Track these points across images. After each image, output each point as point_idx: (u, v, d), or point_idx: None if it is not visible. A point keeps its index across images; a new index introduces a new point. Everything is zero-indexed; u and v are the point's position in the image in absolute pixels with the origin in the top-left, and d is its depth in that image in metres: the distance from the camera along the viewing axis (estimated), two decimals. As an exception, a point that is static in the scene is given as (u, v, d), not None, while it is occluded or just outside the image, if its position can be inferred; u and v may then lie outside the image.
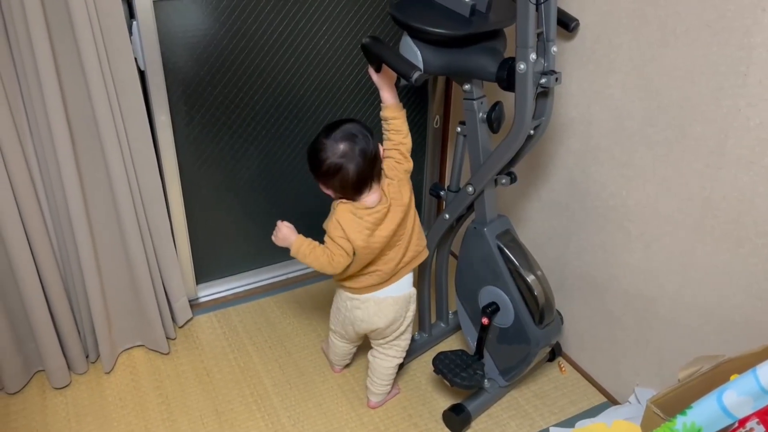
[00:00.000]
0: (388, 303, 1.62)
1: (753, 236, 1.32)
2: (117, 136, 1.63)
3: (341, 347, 1.80)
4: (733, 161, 1.32)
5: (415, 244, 1.61)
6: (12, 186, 1.55)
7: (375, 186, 1.51)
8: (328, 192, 1.53)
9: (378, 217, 1.51)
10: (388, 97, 1.51)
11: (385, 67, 1.46)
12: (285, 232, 1.58)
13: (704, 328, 1.48)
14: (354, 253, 1.51)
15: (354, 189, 1.49)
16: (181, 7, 1.72)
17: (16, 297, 1.70)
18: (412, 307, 1.68)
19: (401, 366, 1.88)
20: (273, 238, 1.60)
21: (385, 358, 1.71)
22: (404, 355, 1.74)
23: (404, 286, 1.64)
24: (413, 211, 1.59)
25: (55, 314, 1.76)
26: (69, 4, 1.43)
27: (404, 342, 1.72)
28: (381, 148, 1.53)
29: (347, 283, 1.61)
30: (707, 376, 1.19)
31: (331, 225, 1.52)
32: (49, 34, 1.45)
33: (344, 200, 1.52)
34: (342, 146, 1.45)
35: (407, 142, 1.53)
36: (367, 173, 1.47)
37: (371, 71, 1.50)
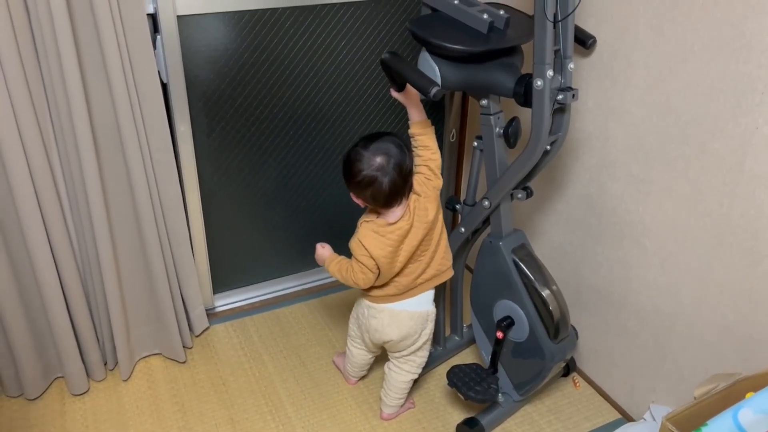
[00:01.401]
0: (403, 317, 1.62)
1: (771, 254, 1.31)
2: (139, 146, 1.66)
3: (358, 356, 1.81)
4: (751, 178, 1.32)
5: (439, 262, 1.61)
6: (36, 193, 1.59)
7: (404, 201, 1.53)
8: (358, 201, 1.56)
9: (400, 234, 1.52)
10: (415, 114, 1.51)
11: (407, 87, 1.47)
12: (319, 252, 1.69)
13: (722, 346, 1.47)
14: (379, 269, 1.54)
15: (385, 202, 1.51)
16: (203, 22, 1.75)
17: (37, 303, 1.73)
18: (430, 325, 1.68)
19: (416, 381, 1.89)
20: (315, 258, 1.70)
21: (400, 372, 1.72)
22: (420, 371, 1.75)
23: (423, 303, 1.64)
24: (440, 228, 1.59)
25: (75, 321, 1.78)
26: (96, 18, 1.47)
27: (420, 359, 1.72)
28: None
29: (369, 291, 1.64)
30: (723, 394, 1.18)
31: (354, 244, 1.56)
32: (77, 47, 1.49)
33: (368, 219, 1.56)
34: (378, 159, 1.47)
35: (436, 158, 1.53)
36: (399, 187, 1.49)
37: (393, 92, 1.50)
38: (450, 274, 1.67)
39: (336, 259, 1.64)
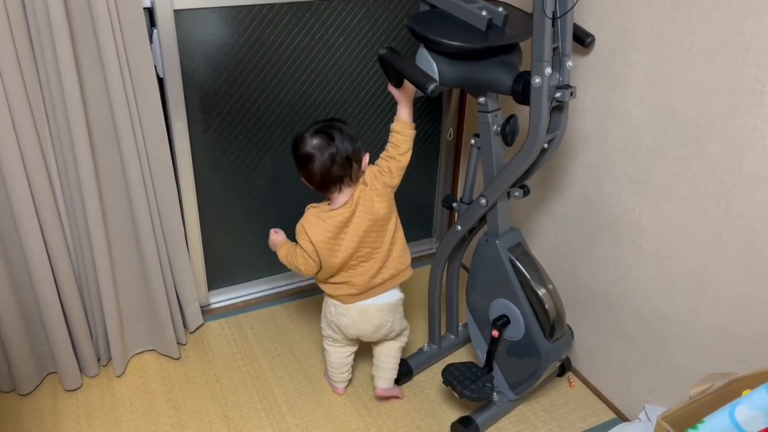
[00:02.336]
0: (372, 311, 1.66)
1: (768, 255, 1.31)
2: (135, 142, 1.65)
3: (335, 354, 1.79)
4: (749, 179, 1.31)
5: (396, 261, 1.63)
6: (31, 189, 1.58)
7: (346, 189, 1.55)
8: (304, 182, 1.59)
9: (341, 220, 1.54)
10: (404, 112, 1.54)
11: (405, 83, 1.48)
12: (272, 238, 1.74)
13: (718, 347, 1.47)
14: (319, 257, 1.56)
15: (321, 184, 1.54)
16: (200, 17, 1.74)
17: (31, 298, 1.72)
18: (400, 309, 1.72)
19: (410, 376, 1.88)
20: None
21: (391, 348, 1.77)
22: (406, 339, 1.80)
23: (389, 296, 1.67)
24: (393, 227, 1.61)
25: (69, 316, 1.77)
26: (92, 11, 1.46)
27: (403, 335, 1.78)
28: (366, 156, 1.57)
29: (328, 291, 1.67)
30: (719, 394, 1.17)
31: (297, 228, 1.60)
32: (73, 41, 1.48)
33: (315, 205, 1.60)
34: (316, 140, 1.52)
35: (402, 160, 1.57)
36: (336, 172, 1.51)
37: (390, 87, 1.52)
38: (408, 273, 1.68)
39: (286, 244, 1.68)
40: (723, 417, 0.92)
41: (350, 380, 1.88)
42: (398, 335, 1.76)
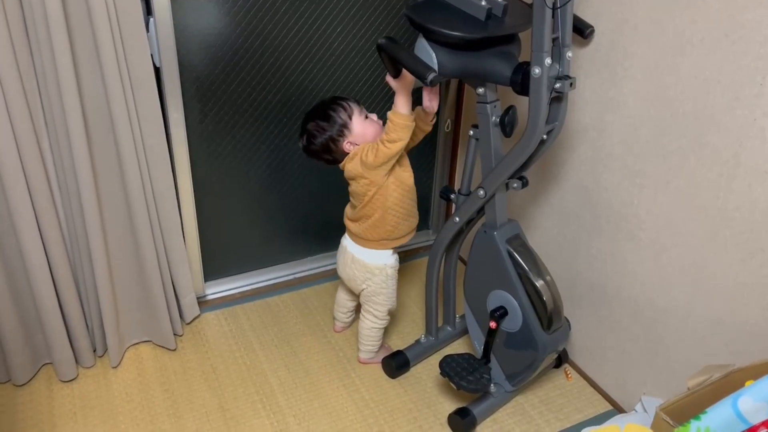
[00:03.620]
0: (347, 258, 1.79)
1: (766, 247, 1.31)
2: (131, 131, 1.64)
3: (338, 294, 1.99)
4: (747, 171, 1.31)
5: (349, 215, 1.76)
6: (26, 179, 1.56)
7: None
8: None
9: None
10: (398, 103, 1.52)
11: (402, 74, 1.47)
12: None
13: (714, 339, 1.47)
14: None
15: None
16: (197, 5, 1.73)
17: (26, 289, 1.71)
18: (376, 279, 1.76)
19: (407, 368, 1.89)
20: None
21: (364, 319, 1.86)
22: (380, 324, 1.85)
23: (367, 255, 1.75)
24: (365, 197, 1.66)
25: (64, 307, 1.77)
26: (89, 1, 1.44)
27: (375, 310, 1.82)
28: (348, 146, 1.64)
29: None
30: (717, 385, 1.18)
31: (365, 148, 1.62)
32: (68, 30, 1.46)
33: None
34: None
35: (390, 147, 1.55)
36: (314, 151, 1.68)
37: (389, 78, 1.51)
38: (356, 239, 1.75)
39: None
40: (726, 408, 0.92)
41: (348, 325, 2.06)
42: (369, 307, 1.82)
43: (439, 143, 2.32)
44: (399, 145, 1.55)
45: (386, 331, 1.93)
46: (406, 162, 1.67)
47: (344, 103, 1.64)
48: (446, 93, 2.22)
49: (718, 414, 0.92)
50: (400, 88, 1.51)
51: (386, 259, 1.75)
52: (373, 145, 1.59)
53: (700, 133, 1.39)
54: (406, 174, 1.66)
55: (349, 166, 1.64)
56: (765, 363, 1.16)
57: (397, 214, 1.68)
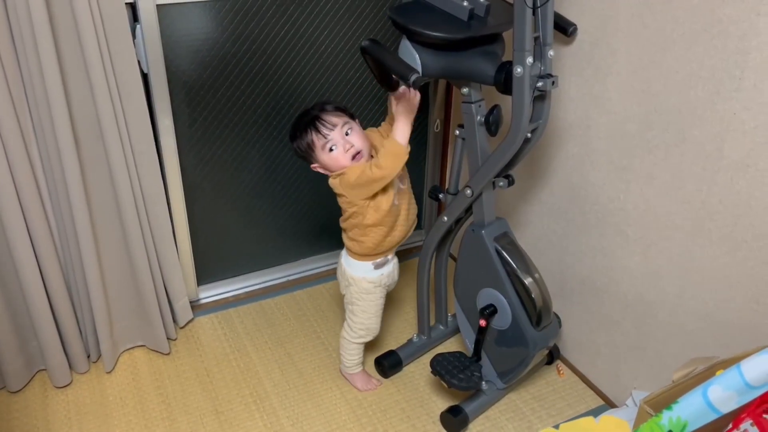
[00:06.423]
0: (341, 260, 1.75)
1: (750, 239, 1.32)
2: (120, 137, 1.65)
3: None
4: (729, 165, 1.32)
5: (344, 228, 1.71)
6: (16, 186, 1.57)
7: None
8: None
9: None
10: (395, 130, 1.47)
11: (406, 98, 1.45)
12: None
13: (703, 332, 1.48)
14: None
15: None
16: (184, 11, 1.74)
17: (18, 296, 1.72)
18: (352, 289, 1.72)
19: (400, 367, 1.89)
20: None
21: (343, 329, 1.81)
22: (354, 340, 1.78)
23: (345, 261, 1.74)
24: (350, 210, 1.61)
25: (57, 313, 1.77)
26: (74, 8, 1.45)
27: (350, 320, 1.77)
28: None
29: None
30: (701, 377, 1.19)
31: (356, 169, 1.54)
32: (54, 37, 1.47)
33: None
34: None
35: (376, 171, 1.48)
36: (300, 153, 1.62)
37: (390, 97, 1.49)
38: (345, 251, 1.72)
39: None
40: (696, 397, 0.93)
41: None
42: (346, 315, 1.78)
43: (429, 143, 2.33)
44: (383, 173, 1.47)
45: (381, 330, 1.93)
46: (389, 185, 1.55)
47: (311, 132, 1.55)
48: (435, 94, 2.23)
49: (689, 404, 0.93)
50: (401, 113, 1.46)
51: (365, 273, 1.69)
52: (367, 164, 1.50)
53: (683, 128, 1.40)
54: (383, 198, 1.56)
55: (332, 181, 1.59)
56: (747, 354, 1.17)
57: (376, 235, 1.62)
